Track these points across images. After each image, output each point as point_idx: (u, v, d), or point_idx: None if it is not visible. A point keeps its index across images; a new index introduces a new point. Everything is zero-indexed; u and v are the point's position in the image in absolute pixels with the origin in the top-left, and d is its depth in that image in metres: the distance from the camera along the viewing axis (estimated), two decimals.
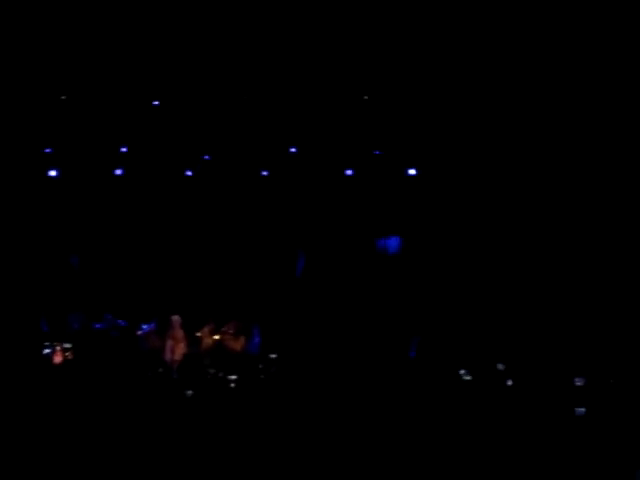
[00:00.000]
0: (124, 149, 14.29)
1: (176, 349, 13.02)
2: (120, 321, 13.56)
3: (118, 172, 14.35)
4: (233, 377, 11.85)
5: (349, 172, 14.11)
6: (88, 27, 13.20)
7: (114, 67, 13.57)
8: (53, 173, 14.25)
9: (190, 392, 11.46)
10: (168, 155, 14.30)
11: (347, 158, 14.13)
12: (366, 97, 13.31)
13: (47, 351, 12.43)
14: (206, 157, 14.40)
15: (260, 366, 12.64)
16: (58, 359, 12.30)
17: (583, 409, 10.15)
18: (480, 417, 10.02)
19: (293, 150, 14.12)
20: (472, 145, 13.64)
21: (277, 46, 13.25)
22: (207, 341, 13.35)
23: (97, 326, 13.32)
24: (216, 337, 13.39)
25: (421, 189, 14.03)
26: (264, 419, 10.79)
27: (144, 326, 13.37)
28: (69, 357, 12.33)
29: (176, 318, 13.21)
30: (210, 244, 14.54)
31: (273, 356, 12.91)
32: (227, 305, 13.77)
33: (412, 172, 13.93)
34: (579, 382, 10.71)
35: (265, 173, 14.38)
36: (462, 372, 11.47)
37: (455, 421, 9.93)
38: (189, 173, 14.39)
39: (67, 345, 12.47)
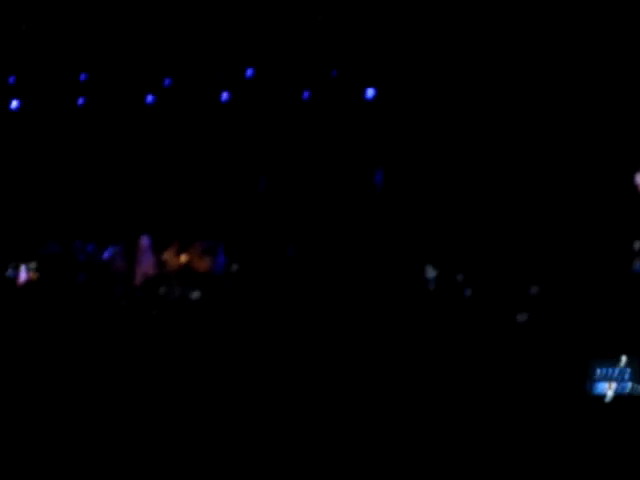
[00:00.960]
0: None
1: (143, 271, 13.17)
2: (88, 245, 13.67)
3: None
4: (196, 294, 11.99)
5: None
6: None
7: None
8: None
9: (155, 312, 11.64)
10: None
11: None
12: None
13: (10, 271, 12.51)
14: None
15: (225, 284, 12.80)
16: (23, 279, 12.34)
17: None
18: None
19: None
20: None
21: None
22: (173, 262, 13.49)
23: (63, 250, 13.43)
24: (182, 258, 13.53)
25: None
26: (229, 340, 10.90)
27: (110, 249, 13.49)
28: (34, 277, 12.38)
29: (144, 239, 13.34)
30: (176, 164, 14.58)
31: (235, 269, 13.09)
32: (192, 225, 13.86)
33: None
34: None
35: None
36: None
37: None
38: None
39: (32, 265, 12.51)
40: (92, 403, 8.97)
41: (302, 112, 14.16)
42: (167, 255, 13.42)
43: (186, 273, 13.47)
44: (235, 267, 13.20)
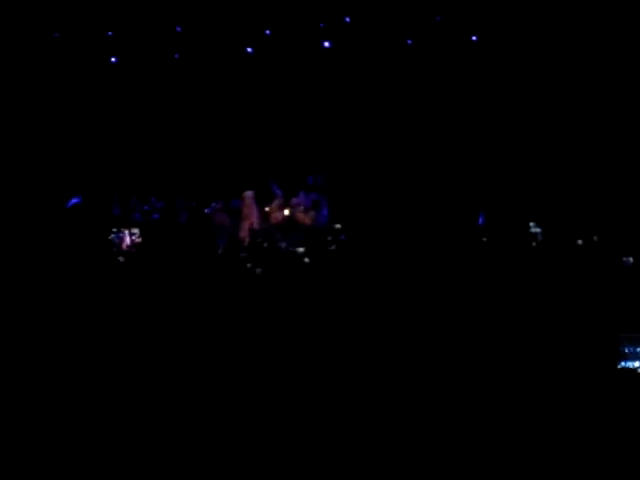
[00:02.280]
0: None
1: (248, 225, 13.16)
2: (190, 203, 13.72)
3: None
4: (301, 249, 11.90)
5: None
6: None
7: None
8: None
9: (259, 270, 11.57)
10: None
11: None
12: None
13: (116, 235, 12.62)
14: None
15: (328, 238, 12.69)
16: (126, 243, 12.45)
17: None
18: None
19: None
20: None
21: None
22: (277, 216, 13.44)
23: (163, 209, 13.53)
24: (286, 212, 13.47)
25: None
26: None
27: (213, 204, 13.50)
28: (138, 241, 12.47)
29: (249, 194, 13.31)
30: (275, 122, 14.47)
31: (338, 226, 12.99)
32: (295, 179, 13.77)
33: None
34: None
35: None
36: None
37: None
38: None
39: (135, 230, 12.60)
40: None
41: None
42: (271, 209, 13.40)
43: (290, 226, 13.45)
44: (338, 223, 13.12)
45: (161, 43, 13.98)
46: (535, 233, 12.21)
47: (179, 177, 14.16)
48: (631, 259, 11.28)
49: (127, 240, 12.47)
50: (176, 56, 14.24)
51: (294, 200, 13.49)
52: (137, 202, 13.79)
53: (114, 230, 12.63)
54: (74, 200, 13.30)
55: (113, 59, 14.22)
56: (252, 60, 14.17)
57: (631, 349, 9.32)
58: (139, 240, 12.54)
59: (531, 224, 12.23)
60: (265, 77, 14.27)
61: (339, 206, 13.38)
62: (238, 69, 14.29)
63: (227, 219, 13.26)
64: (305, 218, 13.41)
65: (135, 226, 12.76)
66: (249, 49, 14.12)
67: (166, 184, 14.08)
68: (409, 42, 13.61)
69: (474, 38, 13.19)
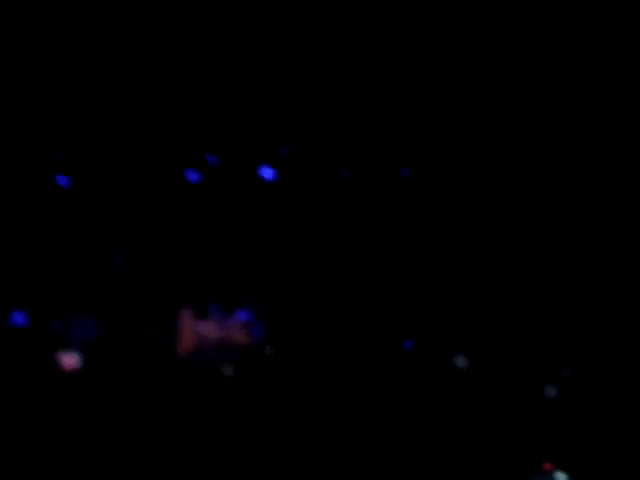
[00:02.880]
0: None
1: (185, 343, 13.32)
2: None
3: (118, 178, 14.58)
4: (230, 368, 12.09)
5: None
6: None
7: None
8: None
9: (193, 387, 11.78)
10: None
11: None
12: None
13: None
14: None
15: (261, 357, 12.92)
16: (68, 365, 12.53)
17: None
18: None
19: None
20: (473, 144, 13.72)
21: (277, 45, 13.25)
22: (211, 333, 13.61)
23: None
24: (221, 330, 13.65)
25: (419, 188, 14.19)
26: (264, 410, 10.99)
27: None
28: (77, 365, 12.55)
29: (186, 312, 13.55)
30: (214, 239, 14.76)
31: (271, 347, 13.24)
32: (229, 297, 14.00)
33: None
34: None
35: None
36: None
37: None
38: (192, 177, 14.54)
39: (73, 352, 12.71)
40: None
41: None
42: (205, 328, 13.58)
43: (224, 344, 13.62)
44: (272, 340, 13.34)
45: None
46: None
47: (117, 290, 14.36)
48: None
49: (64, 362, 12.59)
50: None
51: (229, 318, 13.71)
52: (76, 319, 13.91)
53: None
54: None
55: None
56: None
57: None
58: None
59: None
60: None
61: (273, 325, 13.65)
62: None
63: (161, 337, 13.42)
64: (240, 336, 13.61)
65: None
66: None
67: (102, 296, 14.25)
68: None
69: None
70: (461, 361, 11.49)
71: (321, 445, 9.98)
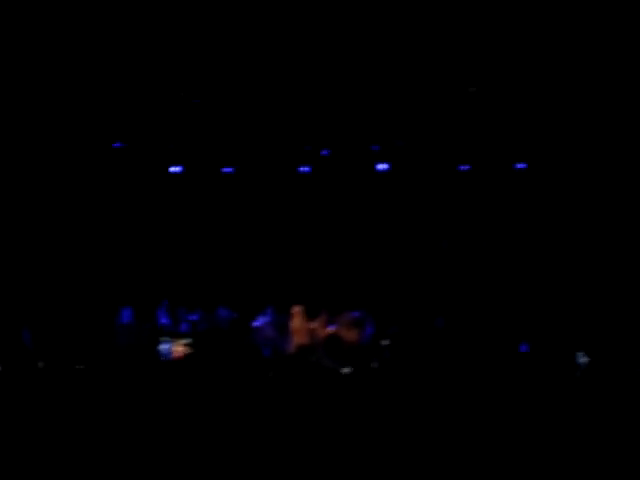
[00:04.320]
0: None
1: (297, 341, 13.25)
2: (233, 313, 13.87)
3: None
4: (346, 370, 11.93)
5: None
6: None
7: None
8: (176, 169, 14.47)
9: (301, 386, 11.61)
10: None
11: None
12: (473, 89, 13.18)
13: (165, 346, 12.75)
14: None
15: (373, 356, 12.74)
16: (178, 354, 12.57)
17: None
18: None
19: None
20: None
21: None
22: (321, 332, 13.52)
23: (209, 320, 13.67)
24: (330, 328, 13.55)
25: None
26: (377, 412, 10.84)
27: (259, 317, 13.64)
28: (187, 352, 12.57)
29: (298, 309, 13.44)
30: (325, 236, 14.71)
31: (385, 343, 13.06)
32: (340, 295, 13.92)
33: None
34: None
35: None
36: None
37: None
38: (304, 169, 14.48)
39: (184, 340, 12.74)
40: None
41: None
42: (316, 325, 13.50)
43: (334, 343, 13.51)
44: (383, 340, 13.18)
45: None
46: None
47: (223, 286, 14.41)
48: None
49: (175, 351, 12.59)
50: None
51: (338, 317, 13.59)
52: (184, 311, 14.00)
53: (161, 340, 12.80)
54: (126, 314, 13.55)
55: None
56: None
57: None
58: (185, 351, 12.65)
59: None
60: None
61: (384, 324, 13.53)
62: None
63: (273, 333, 13.40)
64: (349, 335, 13.48)
65: (182, 337, 12.89)
66: None
67: (210, 293, 14.33)
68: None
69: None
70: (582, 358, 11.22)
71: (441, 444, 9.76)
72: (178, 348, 12.57)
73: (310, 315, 13.68)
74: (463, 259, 14.42)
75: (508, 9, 12.02)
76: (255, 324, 13.59)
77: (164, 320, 13.85)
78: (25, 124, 13.57)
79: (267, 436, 10.04)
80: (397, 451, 9.69)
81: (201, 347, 12.83)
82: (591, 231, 13.75)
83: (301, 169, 14.42)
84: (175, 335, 13.18)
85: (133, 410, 10.44)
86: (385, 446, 9.78)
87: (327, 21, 12.35)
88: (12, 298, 13.75)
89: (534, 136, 13.65)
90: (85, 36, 12.44)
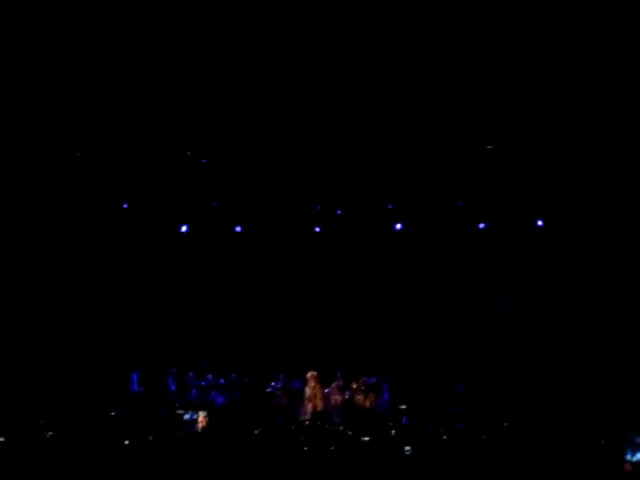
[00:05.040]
0: None
1: (312, 406, 13.02)
2: (244, 379, 13.63)
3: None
4: (365, 438, 11.59)
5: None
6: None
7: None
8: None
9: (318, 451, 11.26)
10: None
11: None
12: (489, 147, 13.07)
13: (187, 417, 12.57)
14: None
15: (390, 423, 12.40)
16: (202, 425, 12.42)
17: None
18: None
19: None
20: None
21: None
22: (336, 398, 13.24)
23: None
24: (346, 394, 13.27)
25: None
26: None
27: (272, 383, 13.36)
28: (206, 423, 12.41)
29: (313, 374, 13.20)
30: (338, 303, 14.44)
31: (403, 407, 12.81)
32: (355, 361, 13.63)
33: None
34: None
35: None
36: None
37: None
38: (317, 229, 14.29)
39: (204, 412, 12.58)
40: None
41: None
42: (331, 390, 13.23)
43: (349, 409, 13.21)
44: (401, 405, 12.88)
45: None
46: None
47: (234, 353, 14.13)
48: None
49: (199, 421, 12.41)
50: None
51: (354, 383, 13.32)
52: (193, 378, 13.71)
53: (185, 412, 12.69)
54: (134, 380, 13.34)
55: None
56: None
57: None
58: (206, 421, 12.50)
59: None
60: None
61: (400, 390, 13.23)
62: None
63: (286, 399, 13.13)
64: (365, 401, 13.20)
65: (202, 408, 12.75)
66: None
67: (220, 358, 14.06)
68: None
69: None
70: None
71: None
72: (200, 418, 12.42)
73: (325, 381, 13.47)
74: (487, 322, 14.15)
75: (526, 67, 12.04)
76: (267, 390, 13.32)
77: (172, 387, 13.54)
78: (31, 184, 13.48)
79: None
80: None
81: (218, 417, 12.61)
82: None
83: (316, 229, 14.19)
84: (186, 403, 13.00)
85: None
86: None
87: (339, 78, 12.34)
88: (17, 363, 13.51)
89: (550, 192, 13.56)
90: (93, 95, 12.52)
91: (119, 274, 14.35)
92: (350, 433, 11.97)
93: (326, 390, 13.21)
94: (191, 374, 13.74)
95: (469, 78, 12.16)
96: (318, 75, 12.35)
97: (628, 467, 10.00)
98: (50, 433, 11.02)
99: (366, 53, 11.97)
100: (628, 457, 10.06)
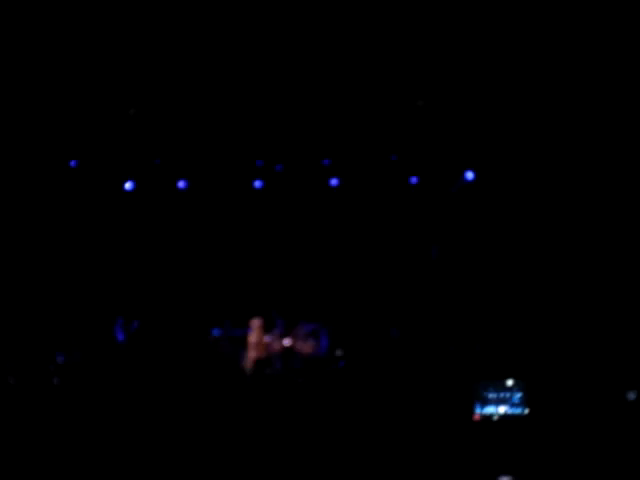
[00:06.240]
0: None
1: (254, 355, 13.38)
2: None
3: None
4: (300, 380, 12.07)
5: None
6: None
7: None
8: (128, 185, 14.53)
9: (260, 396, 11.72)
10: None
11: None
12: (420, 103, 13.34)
13: None
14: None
15: (327, 367, 12.89)
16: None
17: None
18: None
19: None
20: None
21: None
22: (277, 345, 13.66)
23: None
24: (286, 341, 13.68)
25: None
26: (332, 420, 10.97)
27: (214, 331, 13.77)
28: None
29: (256, 322, 13.51)
30: (277, 247, 14.83)
31: (339, 353, 13.26)
32: (295, 308, 14.10)
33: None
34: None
35: None
36: None
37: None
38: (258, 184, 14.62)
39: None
40: None
41: None
42: (271, 337, 13.62)
43: (289, 355, 13.64)
44: (338, 351, 13.33)
45: None
46: None
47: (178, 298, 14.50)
48: None
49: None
50: None
51: (294, 329, 13.73)
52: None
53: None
54: None
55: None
56: None
57: (493, 395, 10.45)
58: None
59: None
60: None
61: (339, 335, 13.69)
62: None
63: (229, 347, 13.50)
64: (304, 347, 13.62)
65: None
66: None
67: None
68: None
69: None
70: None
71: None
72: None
73: (266, 328, 13.89)
74: (420, 267, 14.62)
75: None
76: (212, 337, 13.68)
77: (120, 336, 13.85)
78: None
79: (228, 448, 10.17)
80: (351, 458, 9.89)
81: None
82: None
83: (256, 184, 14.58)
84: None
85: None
86: (340, 454, 9.96)
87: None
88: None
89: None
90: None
91: (63, 230, 14.61)
92: (290, 378, 12.55)
93: (267, 337, 13.62)
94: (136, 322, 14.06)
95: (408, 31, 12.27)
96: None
97: (477, 417, 10.51)
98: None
99: None
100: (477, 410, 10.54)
